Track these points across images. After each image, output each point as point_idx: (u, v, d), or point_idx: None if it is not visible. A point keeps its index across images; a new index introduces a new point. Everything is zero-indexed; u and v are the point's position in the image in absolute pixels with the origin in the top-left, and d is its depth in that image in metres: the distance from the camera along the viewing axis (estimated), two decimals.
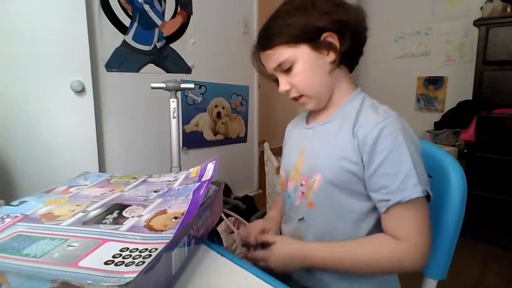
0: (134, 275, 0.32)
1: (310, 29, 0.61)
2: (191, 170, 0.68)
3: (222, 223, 1.73)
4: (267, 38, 0.64)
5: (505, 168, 1.87)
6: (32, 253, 0.36)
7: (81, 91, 1.59)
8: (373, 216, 0.61)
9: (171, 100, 1.44)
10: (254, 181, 2.72)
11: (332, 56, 0.63)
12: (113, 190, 0.60)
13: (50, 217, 0.47)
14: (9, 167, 1.50)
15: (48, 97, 1.55)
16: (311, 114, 0.75)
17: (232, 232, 1.57)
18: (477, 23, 2.05)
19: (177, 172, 0.70)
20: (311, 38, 0.62)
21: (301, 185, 0.66)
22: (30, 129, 1.53)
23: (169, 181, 0.65)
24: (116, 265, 0.34)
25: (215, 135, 2.32)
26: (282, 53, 0.63)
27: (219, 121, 2.32)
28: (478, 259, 1.81)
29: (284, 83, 0.66)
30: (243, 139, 2.53)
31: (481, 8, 2.15)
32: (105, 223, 0.45)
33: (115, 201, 0.53)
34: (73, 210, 0.49)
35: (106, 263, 0.34)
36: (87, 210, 0.49)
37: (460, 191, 0.63)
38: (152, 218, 0.46)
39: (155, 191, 0.59)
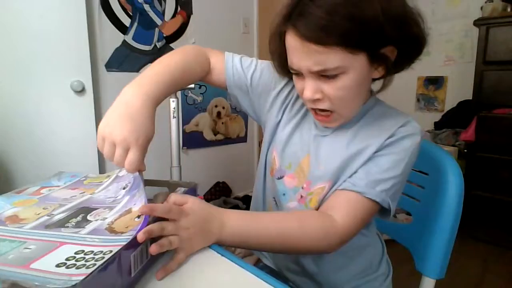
0: (82, 277, 0.32)
1: (375, 36, 0.47)
2: None
3: None
4: (323, 29, 0.45)
5: (505, 168, 1.87)
6: None
7: (81, 91, 1.59)
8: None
9: (171, 100, 1.44)
10: (254, 181, 2.72)
11: (381, 72, 0.53)
12: (83, 192, 0.59)
13: (14, 219, 0.47)
14: (9, 167, 1.50)
15: (48, 97, 1.55)
16: None
17: None
18: (477, 23, 2.05)
19: None
20: (373, 47, 0.49)
21: (302, 187, 0.62)
22: (30, 129, 1.53)
23: None
24: (67, 267, 0.34)
25: (215, 135, 2.32)
26: (336, 58, 0.47)
27: (219, 121, 2.32)
28: (478, 259, 1.81)
29: (314, 90, 0.51)
30: (243, 139, 2.53)
31: (481, 8, 2.16)
32: (67, 227, 0.44)
33: (83, 204, 0.53)
34: (39, 213, 0.49)
35: (57, 265, 0.34)
36: (53, 214, 0.49)
37: (457, 188, 0.63)
38: (115, 220, 0.46)
39: (123, 188, 0.57)
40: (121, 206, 0.50)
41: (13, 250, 0.38)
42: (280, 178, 0.65)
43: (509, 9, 2.01)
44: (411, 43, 0.51)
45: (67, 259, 0.36)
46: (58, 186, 0.63)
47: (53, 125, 1.58)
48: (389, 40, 0.48)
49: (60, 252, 0.38)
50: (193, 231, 0.45)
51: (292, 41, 0.50)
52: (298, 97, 0.66)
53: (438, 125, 2.56)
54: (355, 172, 0.57)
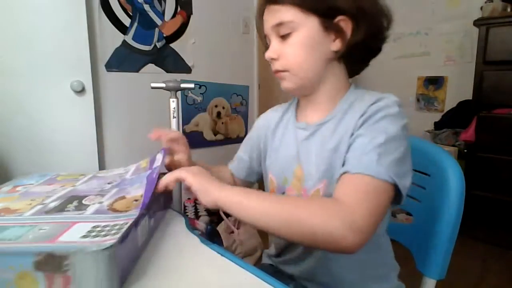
0: (113, 241, 0.34)
1: (327, 4, 0.55)
2: (140, 161, 0.69)
3: (222, 222, 1.74)
4: None
5: (505, 168, 1.87)
6: (7, 238, 0.36)
7: (81, 91, 1.59)
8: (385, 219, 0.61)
9: (171, 100, 1.44)
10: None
11: (338, 44, 0.58)
12: (63, 186, 0.59)
13: (8, 211, 0.46)
14: (9, 167, 1.50)
15: (48, 97, 1.55)
16: (300, 109, 0.69)
17: (232, 232, 1.57)
18: (477, 23, 2.05)
19: (127, 166, 0.70)
20: (324, 14, 0.56)
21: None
22: (30, 129, 1.53)
23: (120, 174, 0.65)
24: (93, 237, 0.35)
25: (215, 135, 2.31)
26: (288, 13, 0.56)
27: (219, 121, 2.31)
28: (478, 259, 1.81)
29: (273, 50, 0.60)
30: (243, 139, 2.52)
31: (481, 8, 2.16)
32: (68, 211, 0.45)
33: (71, 193, 0.53)
34: (30, 204, 0.48)
35: (83, 237, 0.36)
36: (45, 203, 0.49)
37: (458, 189, 0.63)
38: (113, 202, 0.47)
39: (108, 183, 0.58)
40: (112, 193, 0.52)
41: (28, 232, 0.38)
42: (283, 194, 0.67)
43: (509, 9, 2.01)
44: (366, 18, 0.56)
45: (88, 232, 0.37)
46: (31, 184, 0.63)
47: (53, 125, 1.58)
48: (341, 10, 0.55)
49: (77, 229, 0.38)
50: (199, 177, 0.54)
51: (265, 11, 0.61)
52: (274, 123, 0.74)
53: (438, 125, 2.56)
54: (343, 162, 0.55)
